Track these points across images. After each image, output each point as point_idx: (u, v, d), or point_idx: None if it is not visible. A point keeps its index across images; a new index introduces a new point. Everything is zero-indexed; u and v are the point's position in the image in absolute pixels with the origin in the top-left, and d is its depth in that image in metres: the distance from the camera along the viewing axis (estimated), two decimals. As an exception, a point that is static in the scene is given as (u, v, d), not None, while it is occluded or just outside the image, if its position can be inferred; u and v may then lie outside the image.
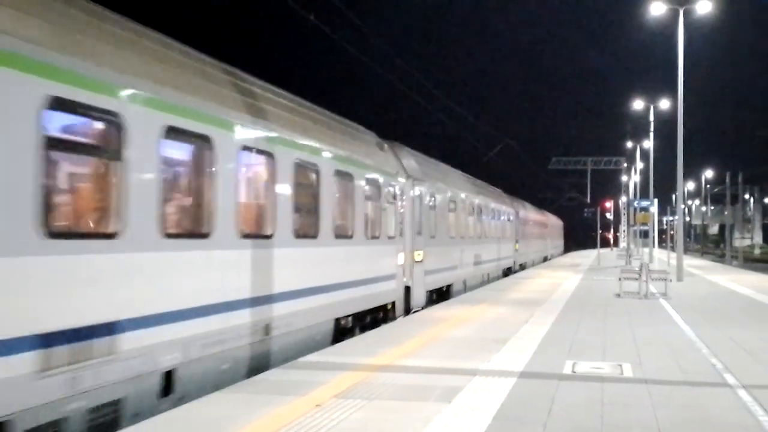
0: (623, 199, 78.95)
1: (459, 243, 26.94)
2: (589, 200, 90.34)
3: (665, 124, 52.23)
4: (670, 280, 24.90)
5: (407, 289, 19.83)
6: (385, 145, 19.36)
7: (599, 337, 14.39)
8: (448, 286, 25.34)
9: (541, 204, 78.23)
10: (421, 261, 20.85)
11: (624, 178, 79.04)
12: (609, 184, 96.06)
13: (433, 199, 22.90)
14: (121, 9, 9.37)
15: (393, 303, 18.76)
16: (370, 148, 17.52)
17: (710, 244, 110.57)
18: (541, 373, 10.64)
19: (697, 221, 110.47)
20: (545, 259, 63.55)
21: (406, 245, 19.78)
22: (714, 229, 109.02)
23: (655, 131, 56.00)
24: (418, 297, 20.85)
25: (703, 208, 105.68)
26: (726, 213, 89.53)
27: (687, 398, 9.25)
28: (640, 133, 65.63)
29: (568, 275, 36.32)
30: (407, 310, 19.70)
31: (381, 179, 17.53)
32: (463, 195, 27.94)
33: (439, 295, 24.02)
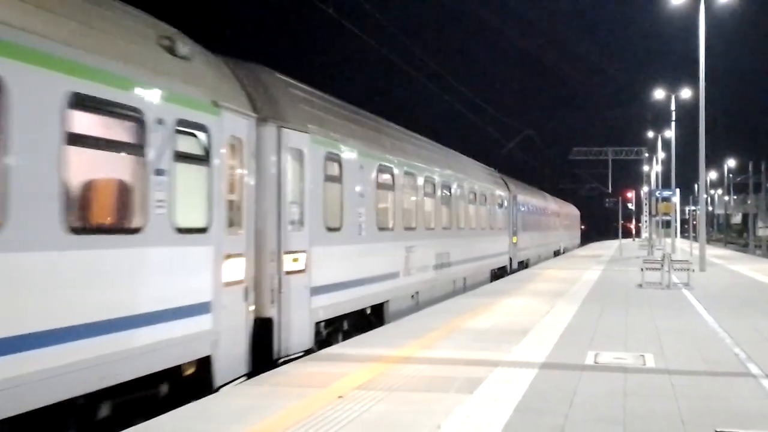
0: (645, 189, 78.51)
1: (403, 237, 17.77)
2: (610, 190, 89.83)
3: (687, 112, 51.88)
4: (693, 270, 24.73)
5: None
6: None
7: (621, 328, 14.34)
8: (377, 307, 16.12)
9: (561, 194, 77.75)
10: (301, 271, 12.07)
11: (645, 167, 78.61)
12: (630, 174, 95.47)
13: (335, 167, 13.89)
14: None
15: (199, 363, 9.61)
16: None
17: (733, 234, 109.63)
18: (562, 363, 10.63)
19: (719, 211, 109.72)
20: (557, 254, 54.38)
21: (243, 245, 10.56)
22: (737, 219, 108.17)
23: (676, 120, 55.71)
24: (291, 335, 11.66)
25: (726, 198, 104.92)
26: (749, 202, 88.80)
27: (710, 388, 9.21)
28: (661, 123, 65.32)
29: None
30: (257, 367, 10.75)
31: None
32: (408, 167, 18.47)
33: (358, 325, 14.95)
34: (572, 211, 74.71)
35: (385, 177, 16.72)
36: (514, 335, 13.17)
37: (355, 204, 14.77)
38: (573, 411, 7.97)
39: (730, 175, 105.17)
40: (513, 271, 33.20)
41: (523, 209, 37.54)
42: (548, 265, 37.12)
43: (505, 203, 32.83)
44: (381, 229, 16.18)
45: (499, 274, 30.56)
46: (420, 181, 19.35)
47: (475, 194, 26.17)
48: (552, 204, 54.28)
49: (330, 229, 13.33)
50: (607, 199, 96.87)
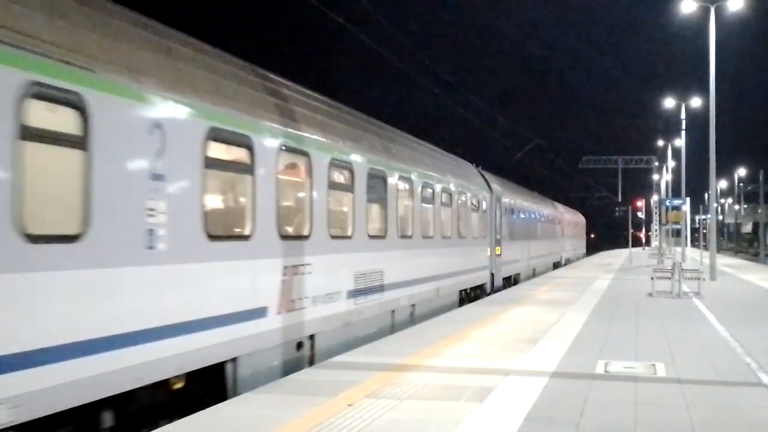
0: (655, 197, 78.33)
1: (276, 252, 11.16)
2: (620, 199, 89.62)
3: (697, 121, 51.91)
4: (703, 279, 24.65)
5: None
6: None
7: (631, 337, 14.29)
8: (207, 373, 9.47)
9: (571, 203, 77.48)
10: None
11: (655, 176, 78.43)
12: (640, 183, 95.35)
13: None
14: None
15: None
16: None
17: (744, 243, 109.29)
18: (573, 373, 10.60)
19: (730, 220, 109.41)
20: (557, 266, 48.17)
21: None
22: (747, 228, 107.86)
23: (687, 129, 55.53)
24: None
25: (736, 207, 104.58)
26: (759, 211, 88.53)
27: (721, 398, 9.18)
28: (671, 131, 65.15)
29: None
30: None
31: None
32: (295, 140, 11.97)
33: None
34: (576, 218, 67.35)
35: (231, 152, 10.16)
36: (524, 344, 13.13)
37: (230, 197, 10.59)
38: (584, 420, 7.95)
39: (741, 184, 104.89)
40: (496, 290, 26.75)
41: (510, 214, 31.36)
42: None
43: (485, 206, 25.99)
44: (215, 237, 9.39)
45: (474, 295, 24.28)
46: (320, 165, 12.65)
47: (432, 191, 19.29)
48: (550, 209, 47.74)
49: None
50: (617, 208, 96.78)
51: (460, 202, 22.31)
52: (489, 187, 27.48)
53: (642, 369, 10.97)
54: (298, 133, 11.95)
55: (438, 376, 10.21)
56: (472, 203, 23.95)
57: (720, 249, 70.94)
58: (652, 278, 24.54)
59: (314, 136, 12.49)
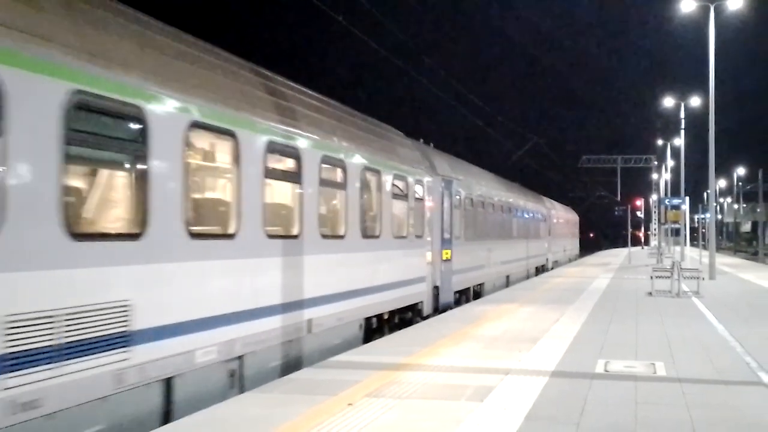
0: (654, 197, 78.34)
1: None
2: (619, 198, 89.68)
3: (696, 121, 51.82)
4: (703, 278, 24.64)
5: None
6: None
7: (631, 336, 14.29)
8: None
9: (570, 202, 77.33)
10: None
11: (654, 176, 78.45)
12: (639, 182, 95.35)
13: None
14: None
15: None
16: None
17: (743, 242, 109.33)
18: (573, 372, 10.60)
19: (729, 219, 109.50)
20: (539, 270, 40.98)
21: None
22: (746, 227, 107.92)
23: (686, 128, 55.57)
24: None
25: (736, 206, 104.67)
26: (758, 210, 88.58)
27: (721, 397, 9.17)
28: (670, 131, 65.19)
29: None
30: None
31: None
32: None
33: None
34: (567, 215, 60.01)
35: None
36: (525, 343, 13.13)
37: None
38: (584, 419, 7.94)
39: (740, 183, 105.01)
40: (443, 309, 20.01)
41: (469, 206, 24.18)
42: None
43: (426, 194, 18.99)
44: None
45: (401, 320, 17.28)
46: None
47: (300, 164, 11.96)
48: (532, 202, 39.88)
49: None
50: (616, 208, 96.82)
51: (370, 184, 15.04)
52: (433, 168, 20.11)
53: (642, 368, 10.96)
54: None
55: (438, 375, 10.20)
56: (396, 188, 16.46)
57: (719, 248, 70.95)
58: (651, 277, 24.54)
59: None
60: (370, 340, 14.53)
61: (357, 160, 14.28)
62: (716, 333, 14.91)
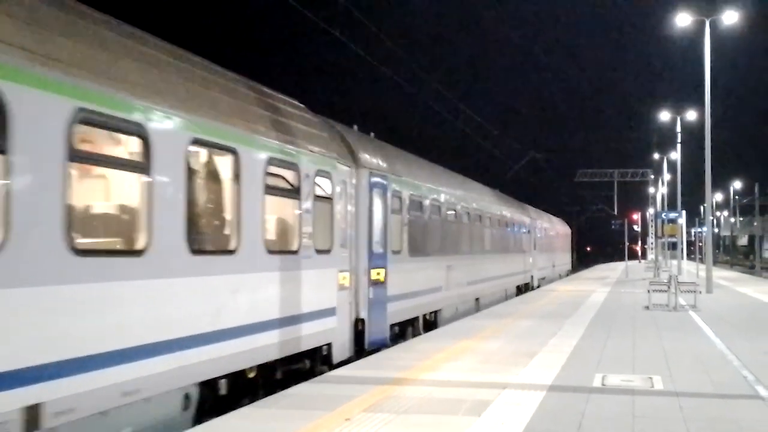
0: (650, 210, 78.48)
1: None
2: (616, 212, 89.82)
3: (692, 134, 51.92)
4: (700, 292, 24.67)
5: None
6: None
7: (629, 350, 14.28)
8: None
9: (567, 217, 77.23)
10: None
11: (651, 189, 78.61)
12: (636, 196, 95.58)
13: None
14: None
15: None
16: None
17: (740, 256, 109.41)
18: (570, 386, 10.59)
19: (726, 232, 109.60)
20: (523, 290, 35.89)
21: None
22: (743, 241, 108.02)
23: (682, 142, 55.66)
24: None
25: (732, 219, 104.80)
26: (755, 224, 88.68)
27: (719, 411, 9.17)
28: (666, 145, 65.36)
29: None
30: None
31: None
32: None
33: None
34: (557, 227, 54.31)
35: None
36: (522, 357, 13.12)
37: None
38: (581, 434, 7.93)
39: (736, 197, 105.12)
40: (371, 351, 14.69)
41: (414, 212, 18.61)
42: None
43: (339, 192, 13.96)
44: None
45: (298, 371, 12.18)
46: None
47: (106, 139, 8.29)
48: (511, 210, 34.25)
49: None
50: (612, 222, 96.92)
51: (211, 169, 10.06)
52: (355, 158, 14.98)
53: (639, 382, 10.95)
54: None
55: (435, 390, 10.19)
56: (277, 180, 11.48)
57: (716, 262, 70.97)
58: (648, 291, 24.55)
59: None
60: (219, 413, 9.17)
61: (173, 125, 8.79)
62: (713, 347, 14.90)
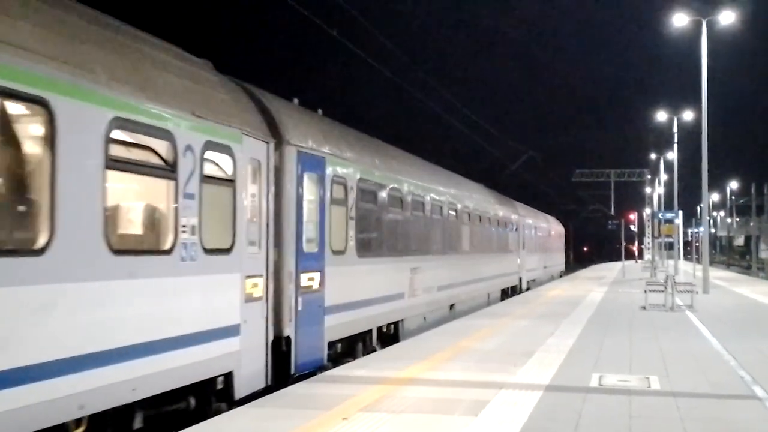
0: (647, 210, 78.56)
1: None
2: (612, 212, 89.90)
3: (689, 135, 51.96)
4: (696, 292, 24.69)
5: None
6: None
7: (626, 350, 14.29)
8: None
9: (564, 216, 77.15)
10: None
11: (648, 189, 78.72)
12: (633, 196, 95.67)
13: None
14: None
15: None
16: None
17: (736, 256, 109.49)
18: (567, 386, 10.59)
19: (722, 233, 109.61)
20: (509, 293, 32.61)
21: None
22: (740, 241, 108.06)
23: (679, 142, 55.75)
24: None
25: (729, 220, 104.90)
26: (752, 224, 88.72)
27: (715, 411, 9.18)
28: (663, 145, 65.41)
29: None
30: None
31: None
32: None
33: None
34: (548, 225, 50.48)
35: None
36: (519, 357, 13.13)
37: None
38: (578, 433, 7.94)
39: (733, 197, 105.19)
40: (303, 375, 11.82)
41: (365, 203, 15.33)
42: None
43: (246, 172, 10.57)
44: None
45: (170, 417, 9.05)
46: None
47: None
48: (493, 206, 30.72)
49: None
50: (609, 221, 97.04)
51: (59, 142, 7.00)
52: (276, 131, 11.66)
53: (636, 382, 10.96)
54: None
55: (433, 390, 10.18)
56: (156, 158, 8.83)
57: (712, 262, 71.15)
58: (645, 291, 24.56)
59: None
60: None
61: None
62: (710, 347, 14.91)
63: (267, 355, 10.91)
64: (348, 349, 14.31)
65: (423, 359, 12.82)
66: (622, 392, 10.19)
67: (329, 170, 13.36)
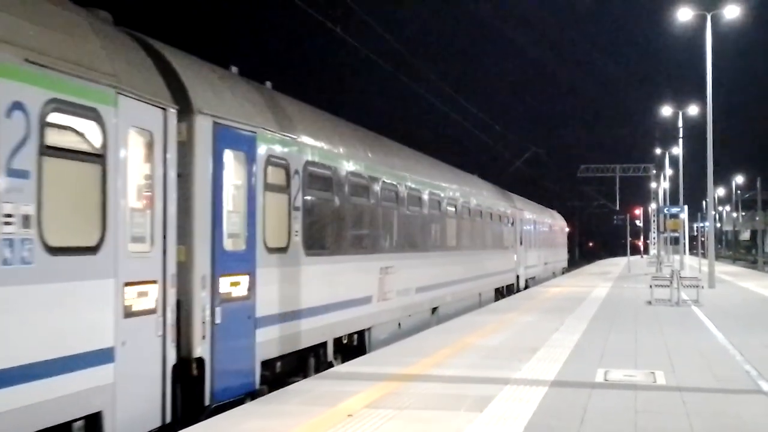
0: (653, 205, 78.42)
1: None
2: (618, 207, 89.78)
3: (694, 129, 51.84)
4: (702, 287, 24.63)
5: None
6: None
7: (631, 345, 14.27)
8: None
9: (570, 212, 77.03)
10: None
11: (653, 184, 78.53)
12: (638, 191, 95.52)
13: None
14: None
15: None
16: None
17: (742, 251, 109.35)
18: (573, 381, 10.58)
19: (728, 227, 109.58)
20: (504, 292, 30.25)
21: None
22: (746, 235, 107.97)
23: (684, 137, 55.62)
24: None
25: (734, 214, 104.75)
26: (757, 218, 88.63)
27: (721, 405, 9.16)
28: (668, 140, 65.28)
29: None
30: None
31: None
32: None
33: None
34: (550, 220, 47.90)
35: None
36: (525, 352, 13.12)
37: None
38: (584, 429, 7.92)
39: (738, 192, 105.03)
40: (221, 405, 9.39)
41: (317, 189, 12.83)
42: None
43: (125, 145, 7.90)
44: None
45: None
46: None
47: None
48: (486, 197, 28.07)
49: None
50: (615, 217, 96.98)
51: None
52: (180, 96, 9.16)
53: (642, 377, 10.94)
54: None
55: (438, 386, 10.18)
56: None
57: (718, 257, 70.86)
58: (650, 286, 24.53)
59: None
60: None
61: None
62: (716, 342, 14.89)
63: (164, 384, 8.41)
64: (294, 367, 11.87)
65: (428, 355, 12.81)
66: (628, 387, 10.17)
67: (262, 149, 10.73)
